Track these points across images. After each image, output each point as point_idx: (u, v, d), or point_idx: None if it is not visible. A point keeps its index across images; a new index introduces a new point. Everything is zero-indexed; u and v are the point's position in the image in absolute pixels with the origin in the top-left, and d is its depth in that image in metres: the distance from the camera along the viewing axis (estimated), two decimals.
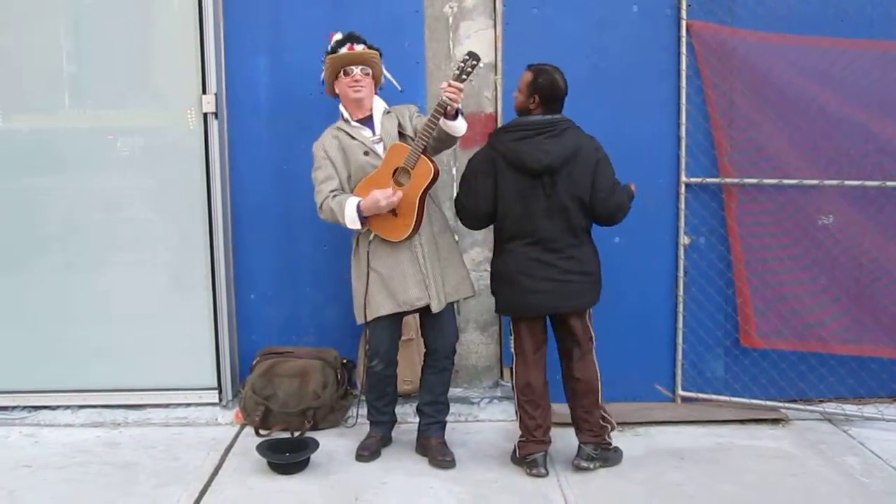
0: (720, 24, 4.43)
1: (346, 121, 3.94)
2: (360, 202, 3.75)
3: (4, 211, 4.63)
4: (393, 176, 3.75)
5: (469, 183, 3.81)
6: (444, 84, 3.61)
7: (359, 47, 3.89)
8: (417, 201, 3.75)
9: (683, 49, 4.45)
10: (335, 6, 4.51)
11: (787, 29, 4.40)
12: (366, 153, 3.85)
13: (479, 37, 4.63)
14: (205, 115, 4.49)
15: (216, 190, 4.52)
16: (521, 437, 3.89)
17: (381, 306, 3.87)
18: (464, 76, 3.60)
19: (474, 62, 3.59)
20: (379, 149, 3.86)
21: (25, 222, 4.64)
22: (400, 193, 3.71)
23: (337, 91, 3.96)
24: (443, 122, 3.66)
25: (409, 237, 3.81)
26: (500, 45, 4.58)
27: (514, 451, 3.91)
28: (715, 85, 4.46)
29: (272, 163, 4.66)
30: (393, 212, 3.76)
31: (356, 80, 3.88)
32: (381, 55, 3.98)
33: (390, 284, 3.84)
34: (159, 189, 4.67)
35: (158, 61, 4.70)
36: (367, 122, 3.93)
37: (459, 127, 3.74)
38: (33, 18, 4.50)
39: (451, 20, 4.62)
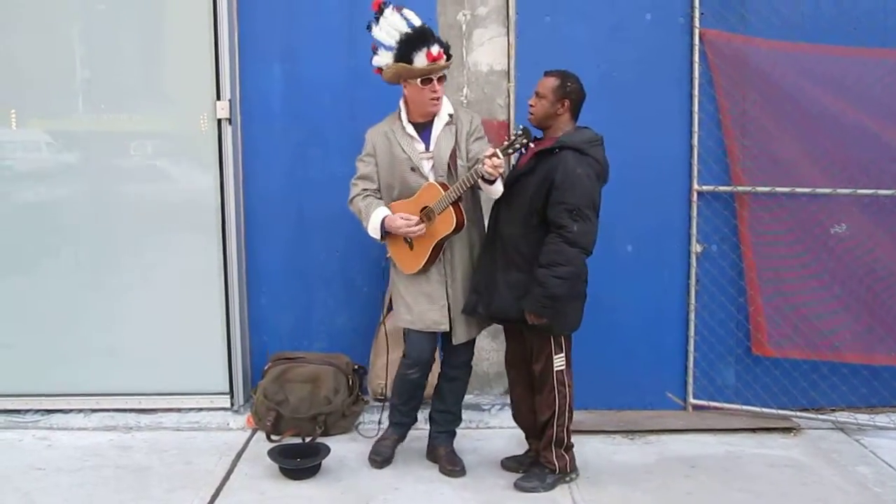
0: (733, 33, 4.43)
1: (403, 125, 3.80)
2: (385, 217, 3.74)
3: (17, 214, 4.66)
4: (421, 211, 3.71)
5: (593, 209, 3.52)
6: (489, 155, 3.40)
7: (434, 49, 3.61)
8: (433, 245, 3.71)
9: (696, 57, 4.46)
10: (350, 14, 4.51)
11: (800, 37, 4.39)
12: (412, 169, 3.76)
13: (492, 44, 4.64)
14: (219, 120, 4.51)
15: (229, 195, 4.54)
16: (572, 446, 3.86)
17: (401, 319, 3.89)
18: (510, 150, 3.44)
19: (525, 140, 3.44)
20: (426, 166, 3.76)
21: (38, 225, 4.67)
22: (423, 227, 3.67)
23: (405, 90, 3.75)
24: (480, 182, 3.57)
25: (418, 273, 3.78)
26: (512, 52, 4.59)
27: (567, 464, 3.81)
28: (727, 93, 4.46)
29: (285, 168, 4.68)
30: (410, 245, 3.76)
31: (435, 92, 3.69)
32: None
33: (412, 302, 3.81)
34: (173, 194, 4.69)
35: (173, 67, 4.74)
36: (426, 129, 3.79)
37: (495, 191, 3.63)
38: (48, 23, 4.53)
39: (464, 28, 4.64)
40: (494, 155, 3.41)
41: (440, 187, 3.66)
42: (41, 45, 4.55)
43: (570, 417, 3.75)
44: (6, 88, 4.59)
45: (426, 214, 3.69)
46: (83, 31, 4.60)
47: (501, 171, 3.46)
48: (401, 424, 4.10)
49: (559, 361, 3.68)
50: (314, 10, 4.57)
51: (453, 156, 3.75)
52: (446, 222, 3.65)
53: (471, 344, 3.97)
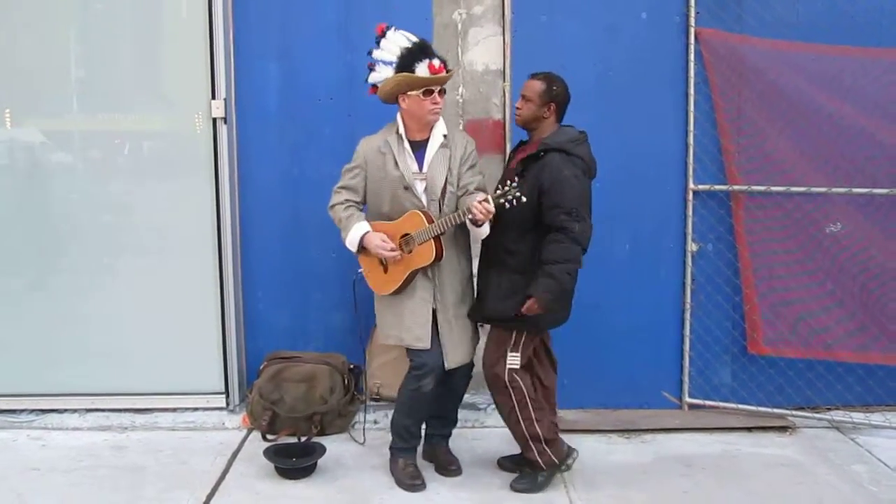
0: (728, 32, 4.43)
1: (400, 138, 3.72)
2: (365, 234, 3.68)
3: (12, 214, 4.65)
4: (401, 238, 3.66)
5: (587, 207, 3.58)
6: (481, 200, 3.40)
7: (436, 62, 3.58)
8: (408, 274, 3.67)
9: (692, 56, 4.46)
10: (345, 12, 4.52)
11: (796, 37, 4.40)
12: (406, 188, 3.66)
13: (487, 43, 4.64)
14: (214, 119, 4.50)
15: (225, 195, 4.53)
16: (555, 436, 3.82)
17: (387, 336, 3.82)
18: (501, 200, 3.38)
19: (518, 193, 3.36)
20: (419, 187, 3.67)
21: (33, 225, 4.66)
22: (398, 255, 3.63)
23: (403, 105, 3.67)
24: (467, 221, 3.54)
25: (400, 293, 3.73)
26: (508, 51, 4.58)
27: (552, 457, 3.77)
28: (723, 92, 4.47)
29: (281, 168, 4.67)
30: (384, 267, 3.72)
31: (436, 104, 3.63)
32: None
33: (397, 319, 3.75)
34: (168, 193, 4.68)
35: (168, 66, 4.73)
36: (421, 147, 3.71)
37: (482, 232, 3.61)
38: (44, 23, 4.52)
39: (459, 27, 4.63)
40: (486, 201, 3.41)
41: (424, 218, 3.60)
42: (35, 44, 4.54)
43: (535, 408, 3.71)
44: (0, 87, 4.57)
45: (405, 241, 3.65)
46: (78, 30, 4.59)
47: (490, 216, 3.45)
48: (412, 448, 3.94)
49: (513, 360, 3.69)
50: (309, 8, 4.56)
51: (445, 180, 3.71)
52: (425, 254, 3.61)
53: (470, 360, 3.90)
